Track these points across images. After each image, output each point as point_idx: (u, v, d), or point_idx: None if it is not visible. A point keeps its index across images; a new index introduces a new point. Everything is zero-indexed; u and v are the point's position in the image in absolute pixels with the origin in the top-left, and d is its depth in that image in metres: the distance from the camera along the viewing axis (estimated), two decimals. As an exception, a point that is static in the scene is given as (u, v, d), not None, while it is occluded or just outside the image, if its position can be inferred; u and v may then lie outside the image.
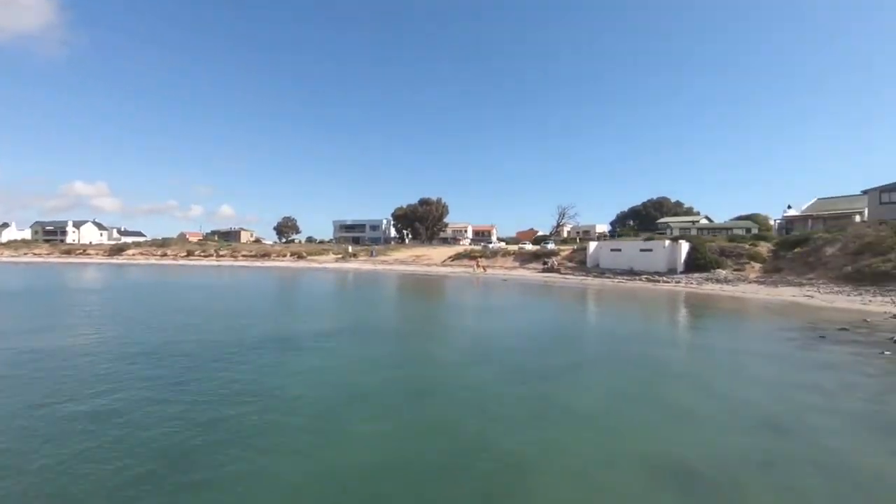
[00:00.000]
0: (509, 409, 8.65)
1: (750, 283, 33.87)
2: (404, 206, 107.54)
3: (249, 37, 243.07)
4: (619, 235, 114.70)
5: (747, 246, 39.78)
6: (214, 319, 18.89)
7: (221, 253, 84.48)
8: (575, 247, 57.81)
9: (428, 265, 64.69)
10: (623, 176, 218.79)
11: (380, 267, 64.76)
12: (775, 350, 14.48)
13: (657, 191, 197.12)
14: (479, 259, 58.30)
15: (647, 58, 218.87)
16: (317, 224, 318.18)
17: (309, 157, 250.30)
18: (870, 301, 24.92)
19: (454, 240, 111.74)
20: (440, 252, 75.69)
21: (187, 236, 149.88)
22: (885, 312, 21.76)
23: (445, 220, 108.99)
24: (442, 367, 11.76)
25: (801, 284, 30.90)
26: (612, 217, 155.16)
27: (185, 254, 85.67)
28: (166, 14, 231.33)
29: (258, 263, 74.11)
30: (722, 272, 37.55)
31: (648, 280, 38.59)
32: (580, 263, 50.54)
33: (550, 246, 68.48)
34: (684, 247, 40.22)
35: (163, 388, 9.43)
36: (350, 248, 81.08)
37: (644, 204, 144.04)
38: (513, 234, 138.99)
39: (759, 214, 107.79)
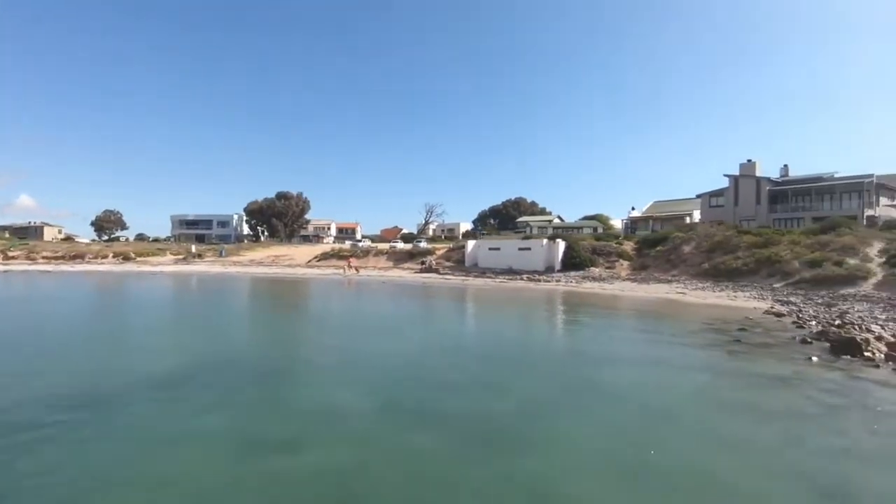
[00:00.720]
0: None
1: (623, 280, 35.14)
2: (259, 200, 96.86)
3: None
4: (483, 234, 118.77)
5: (614, 244, 41.82)
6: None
7: (12, 254, 66.03)
8: (451, 245, 56.33)
9: (291, 266, 57.75)
10: (482, 175, 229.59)
11: (232, 269, 55.94)
12: (711, 361, 13.21)
13: (514, 191, 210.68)
14: (351, 259, 53.47)
15: (497, 62, 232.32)
16: (151, 219, 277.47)
17: (141, 140, 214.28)
18: (734, 297, 26.67)
19: (317, 238, 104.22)
20: (304, 251, 68.81)
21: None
22: (756, 308, 23.00)
23: (307, 216, 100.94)
24: (358, 439, 7.49)
25: (668, 281, 32.72)
26: (475, 215, 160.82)
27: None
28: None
29: (67, 267, 59.11)
30: (596, 270, 38.69)
31: (530, 279, 38.15)
32: (458, 263, 48.93)
33: (424, 244, 66.36)
34: (561, 246, 40.79)
35: None
36: (193, 248, 69.46)
37: (504, 203, 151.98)
38: (377, 232, 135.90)
39: (601, 215, 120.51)
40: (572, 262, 39.72)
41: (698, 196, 54.81)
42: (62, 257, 65.05)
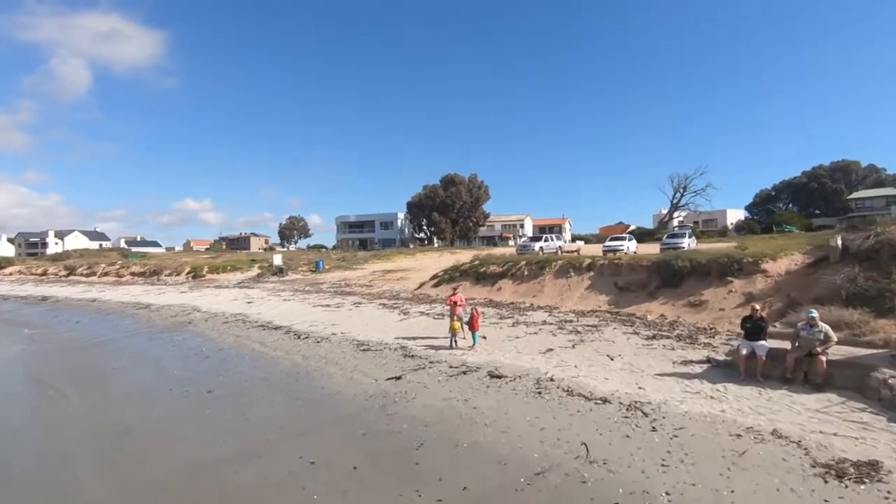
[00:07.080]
0: None
1: None
2: (420, 192, 68.79)
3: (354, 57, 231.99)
4: (781, 224, 67.08)
5: None
6: None
7: (106, 271, 52.63)
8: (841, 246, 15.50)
9: (367, 298, 26.02)
10: (754, 141, 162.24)
11: (287, 305, 27.17)
12: None
13: (814, 157, 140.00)
14: (455, 296, 16.92)
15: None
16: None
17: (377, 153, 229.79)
18: None
19: (502, 239, 71.51)
20: (436, 263, 36.78)
21: (192, 244, 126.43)
22: None
23: (485, 208, 68.59)
24: None
25: None
26: (750, 199, 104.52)
27: (65, 272, 55.34)
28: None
29: (119, 291, 40.41)
30: None
31: None
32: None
33: (689, 242, 26.86)
34: None
35: None
36: (277, 259, 44.51)
37: (807, 174, 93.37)
38: (595, 231, 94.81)
39: None
40: None
41: None
42: (144, 274, 48.16)
